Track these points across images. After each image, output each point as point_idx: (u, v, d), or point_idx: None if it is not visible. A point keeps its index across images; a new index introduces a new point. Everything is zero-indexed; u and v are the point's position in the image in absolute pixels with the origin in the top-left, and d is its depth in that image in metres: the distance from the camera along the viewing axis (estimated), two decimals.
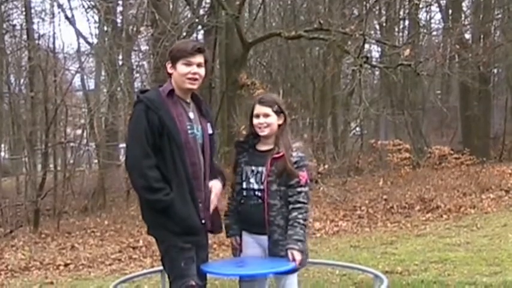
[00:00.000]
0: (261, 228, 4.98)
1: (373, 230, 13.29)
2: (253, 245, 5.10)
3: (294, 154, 4.96)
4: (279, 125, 5.06)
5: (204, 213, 4.86)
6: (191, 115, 4.88)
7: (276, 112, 5.04)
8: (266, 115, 5.02)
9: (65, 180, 17.22)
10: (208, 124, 5.01)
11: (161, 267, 5.03)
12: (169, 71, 4.88)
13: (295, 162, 4.93)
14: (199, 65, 4.83)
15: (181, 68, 4.79)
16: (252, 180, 5.03)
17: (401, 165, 17.94)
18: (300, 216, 4.87)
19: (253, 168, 5.04)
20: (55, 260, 11.84)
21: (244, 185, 5.07)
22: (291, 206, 4.90)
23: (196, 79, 4.82)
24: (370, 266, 7.81)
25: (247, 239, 5.14)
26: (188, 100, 4.92)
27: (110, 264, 11.47)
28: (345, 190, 17.12)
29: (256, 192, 4.99)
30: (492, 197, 15.44)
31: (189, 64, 4.79)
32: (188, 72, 4.78)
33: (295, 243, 4.82)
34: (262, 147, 5.10)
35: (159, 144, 4.67)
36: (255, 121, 5.06)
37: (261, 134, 5.04)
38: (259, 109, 5.06)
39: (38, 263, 11.72)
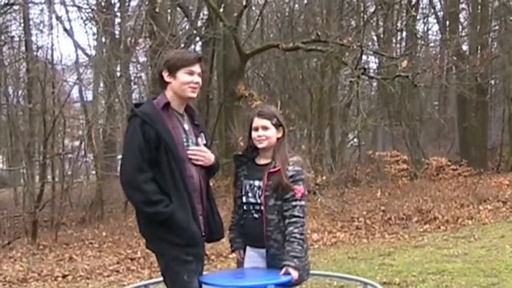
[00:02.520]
0: (259, 242, 4.99)
1: (371, 241, 13.29)
2: (256, 259, 5.12)
3: (290, 168, 4.94)
4: (278, 138, 5.06)
5: (204, 225, 4.87)
6: (186, 127, 4.88)
7: (275, 125, 5.05)
8: (265, 128, 5.02)
9: (63, 191, 17.19)
10: (202, 134, 5.01)
11: (159, 279, 5.02)
12: (167, 79, 4.86)
13: (291, 176, 4.91)
14: (199, 75, 4.87)
15: (183, 76, 4.80)
16: (250, 194, 5.04)
17: (399, 176, 17.97)
18: (296, 230, 4.85)
19: (251, 182, 5.04)
20: (53, 271, 11.81)
21: (244, 199, 5.08)
22: (286, 221, 4.89)
23: (196, 88, 4.85)
24: (368, 277, 7.84)
25: (250, 253, 5.16)
26: (182, 112, 4.92)
27: (108, 276, 11.44)
28: (343, 201, 17.10)
29: (255, 207, 5.00)
30: (490, 208, 15.45)
31: (191, 73, 4.81)
32: (191, 81, 4.80)
33: (291, 260, 4.81)
34: (260, 161, 5.11)
35: (155, 157, 4.65)
36: (254, 134, 5.06)
37: (260, 146, 5.05)
38: (258, 122, 5.05)
39: (36, 274, 11.68)
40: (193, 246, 4.71)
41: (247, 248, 5.17)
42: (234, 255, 5.43)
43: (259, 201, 4.97)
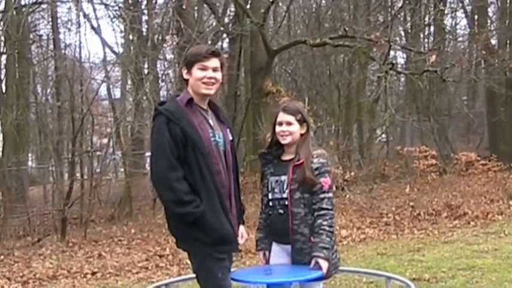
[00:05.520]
0: (285, 238, 4.96)
1: (400, 237, 13.21)
2: (281, 254, 5.09)
3: (315, 161, 4.94)
4: (301, 134, 5.06)
5: (233, 221, 4.80)
6: (211, 122, 4.80)
7: (299, 121, 5.04)
8: (289, 123, 5.03)
9: (91, 189, 17.29)
10: (228, 130, 4.94)
11: (187, 276, 5.01)
12: (185, 77, 4.80)
13: (317, 169, 4.91)
14: (215, 69, 4.74)
15: (196, 72, 4.71)
16: (276, 190, 5.01)
17: (428, 171, 17.83)
18: (324, 223, 4.84)
19: (277, 178, 5.02)
20: (82, 268, 11.88)
21: (270, 196, 5.05)
22: (315, 213, 4.89)
23: (212, 83, 4.73)
24: (397, 274, 7.79)
25: (275, 248, 5.13)
26: (205, 107, 4.84)
27: (137, 273, 11.47)
28: (371, 197, 17.04)
29: (281, 202, 4.97)
30: None
31: (204, 68, 4.70)
32: (203, 77, 4.70)
33: (320, 251, 4.79)
34: (285, 157, 5.09)
35: (183, 155, 4.59)
36: (278, 129, 5.07)
37: (283, 141, 5.05)
38: (282, 117, 5.06)
39: (65, 271, 11.76)
40: (226, 245, 4.67)
41: (273, 243, 5.14)
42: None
43: (284, 195, 4.94)
